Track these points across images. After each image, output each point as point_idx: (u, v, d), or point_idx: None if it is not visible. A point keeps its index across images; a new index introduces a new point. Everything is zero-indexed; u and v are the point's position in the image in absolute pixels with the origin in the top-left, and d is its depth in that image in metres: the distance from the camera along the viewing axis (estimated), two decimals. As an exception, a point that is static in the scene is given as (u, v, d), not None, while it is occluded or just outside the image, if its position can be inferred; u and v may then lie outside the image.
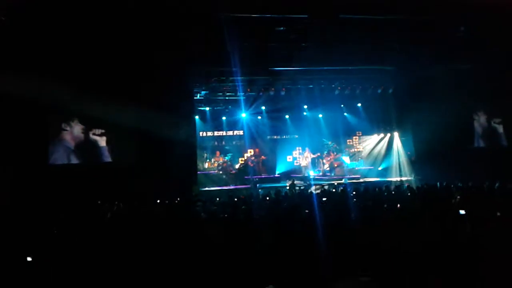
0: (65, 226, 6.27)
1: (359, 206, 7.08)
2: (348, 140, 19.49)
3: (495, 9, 10.07)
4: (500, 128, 15.54)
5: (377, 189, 10.30)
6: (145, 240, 4.77)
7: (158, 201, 9.87)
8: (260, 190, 13.90)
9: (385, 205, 7.01)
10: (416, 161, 15.60)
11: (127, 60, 11.41)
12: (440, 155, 13.82)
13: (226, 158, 17.50)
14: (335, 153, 18.00)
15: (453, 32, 11.59)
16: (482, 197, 7.28)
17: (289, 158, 19.03)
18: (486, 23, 10.86)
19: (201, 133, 17.55)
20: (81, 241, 4.96)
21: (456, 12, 10.42)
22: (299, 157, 18.74)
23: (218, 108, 17.41)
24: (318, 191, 11.83)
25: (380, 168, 18.12)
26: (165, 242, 4.63)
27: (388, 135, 18.45)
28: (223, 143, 18.53)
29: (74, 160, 12.47)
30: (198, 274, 3.79)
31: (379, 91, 16.22)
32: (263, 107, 17.44)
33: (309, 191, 12.03)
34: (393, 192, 9.67)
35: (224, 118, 18.04)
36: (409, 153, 16.60)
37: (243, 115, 17.67)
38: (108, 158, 12.74)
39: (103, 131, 12.75)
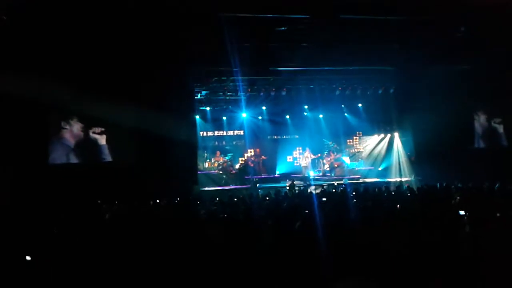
0: (65, 226, 6.27)
1: (359, 207, 7.09)
2: (348, 141, 19.48)
3: (495, 9, 10.07)
4: (501, 128, 15.52)
5: (377, 189, 10.30)
6: (145, 240, 4.77)
7: (158, 201, 9.87)
8: (260, 190, 13.90)
9: (385, 206, 7.01)
10: (416, 162, 15.59)
11: (127, 59, 11.41)
12: (440, 155, 13.82)
13: (227, 158, 17.49)
14: (335, 153, 17.99)
15: (453, 32, 11.59)
16: (482, 198, 7.28)
17: (289, 158, 19.03)
18: (486, 23, 10.85)
19: (201, 132, 17.55)
20: (81, 241, 4.97)
21: (456, 12, 10.42)
22: (299, 157, 18.73)
23: (218, 108, 17.43)
24: (318, 190, 11.84)
25: (380, 169, 18.11)
26: (165, 242, 4.64)
27: (389, 135, 18.45)
28: (224, 143, 18.52)
29: (74, 159, 12.45)
30: (198, 274, 3.79)
31: (380, 91, 16.23)
32: (264, 107, 17.46)
33: (309, 190, 12.04)
34: (393, 193, 9.67)
35: (224, 118, 18.05)
36: (409, 153, 16.60)
37: (244, 115, 17.67)
38: (108, 156, 12.73)
39: (103, 129, 12.72)
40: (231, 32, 10.25)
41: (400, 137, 17.60)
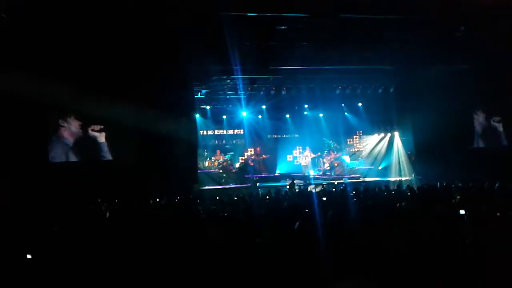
0: (65, 224, 6.27)
1: (359, 206, 7.09)
2: (348, 140, 19.50)
3: (495, 9, 10.07)
4: (500, 127, 15.53)
5: (377, 188, 10.31)
6: (145, 239, 4.78)
7: (158, 199, 9.87)
8: (260, 189, 13.90)
9: (385, 205, 7.02)
10: (416, 161, 15.60)
11: (128, 58, 11.38)
12: (440, 154, 13.82)
13: (227, 157, 17.47)
14: (335, 153, 17.98)
15: (453, 32, 11.59)
16: (482, 197, 7.28)
17: (290, 158, 19.06)
18: (486, 23, 10.85)
19: (201, 131, 17.54)
20: (81, 239, 4.97)
21: (456, 12, 10.42)
22: (300, 156, 18.73)
23: (218, 106, 17.43)
24: (318, 189, 11.85)
25: (380, 168, 18.12)
26: (165, 240, 4.64)
27: (389, 134, 18.45)
28: (224, 141, 18.54)
29: (73, 158, 12.40)
30: (198, 273, 3.79)
31: (380, 90, 16.22)
32: (264, 106, 17.46)
33: (309, 189, 12.05)
34: (393, 192, 9.68)
35: (224, 116, 18.06)
36: (409, 152, 16.61)
37: (244, 114, 17.66)
38: (107, 154, 12.67)
39: (102, 127, 12.66)
40: (231, 31, 10.25)
41: (400, 136, 17.62)
